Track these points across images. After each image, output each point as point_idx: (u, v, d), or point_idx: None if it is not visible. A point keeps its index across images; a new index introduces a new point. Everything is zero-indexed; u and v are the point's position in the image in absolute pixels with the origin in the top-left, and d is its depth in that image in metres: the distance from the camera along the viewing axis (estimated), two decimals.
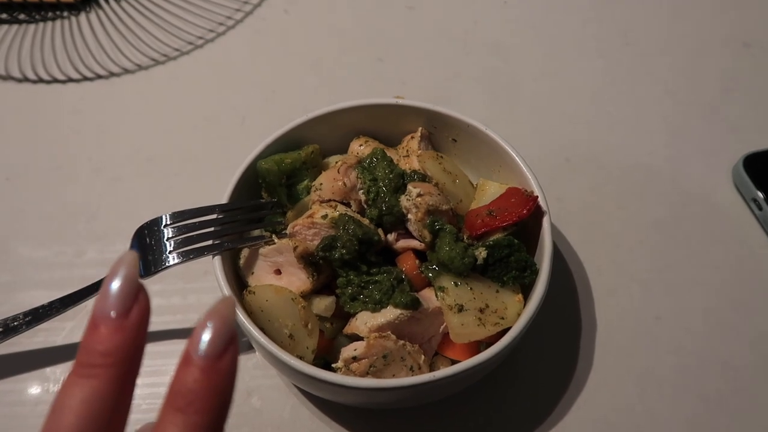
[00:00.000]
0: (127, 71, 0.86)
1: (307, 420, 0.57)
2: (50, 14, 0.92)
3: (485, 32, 0.90)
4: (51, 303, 0.57)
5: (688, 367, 0.60)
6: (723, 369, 0.60)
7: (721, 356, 0.61)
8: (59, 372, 0.60)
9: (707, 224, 0.70)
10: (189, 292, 0.65)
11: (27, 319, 0.57)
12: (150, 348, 0.62)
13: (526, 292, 0.55)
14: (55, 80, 0.85)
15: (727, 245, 0.69)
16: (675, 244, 0.69)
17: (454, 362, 0.53)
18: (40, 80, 0.85)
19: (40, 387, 0.60)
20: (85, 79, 0.85)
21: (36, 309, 0.57)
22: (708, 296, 0.65)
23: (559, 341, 0.62)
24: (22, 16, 0.92)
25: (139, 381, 0.61)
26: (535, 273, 0.54)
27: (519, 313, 0.53)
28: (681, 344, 0.62)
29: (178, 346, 0.61)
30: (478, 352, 0.52)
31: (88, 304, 0.61)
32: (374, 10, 0.93)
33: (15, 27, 0.91)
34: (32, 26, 0.91)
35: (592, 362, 0.60)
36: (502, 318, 0.52)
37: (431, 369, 0.53)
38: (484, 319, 0.52)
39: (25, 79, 0.85)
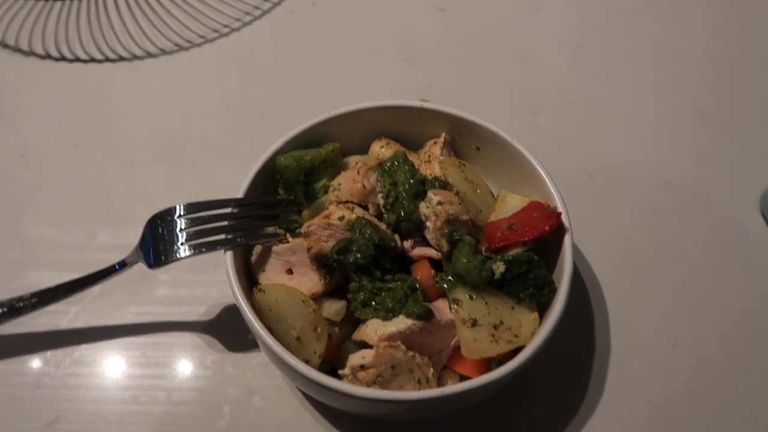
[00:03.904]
0: (150, 55, 0.85)
1: (309, 425, 0.56)
2: None
3: (516, 40, 0.88)
4: (58, 286, 0.56)
5: (702, 398, 0.59)
6: (739, 402, 0.58)
7: (738, 389, 0.59)
8: (61, 356, 0.59)
9: (731, 251, 0.68)
10: (197, 285, 0.64)
11: (33, 300, 0.56)
12: (153, 339, 0.62)
13: (542, 310, 0.53)
14: (78, 59, 0.84)
15: (751, 274, 0.67)
16: (697, 270, 0.67)
17: (463, 377, 0.52)
18: (63, 58, 0.84)
19: (41, 370, 0.59)
20: (108, 60, 0.84)
21: (42, 291, 0.56)
22: (728, 325, 0.63)
23: (572, 362, 0.60)
24: None
25: (138, 371, 0.60)
26: (553, 292, 0.53)
27: (534, 332, 0.51)
28: (696, 374, 0.60)
29: (182, 338, 0.61)
30: (489, 369, 0.50)
31: (95, 290, 0.60)
32: (404, 10, 0.91)
33: (41, 3, 0.90)
34: (58, 3, 0.90)
35: (603, 386, 0.59)
36: (516, 336, 0.51)
37: (439, 383, 0.52)
38: (497, 336, 0.50)
39: (48, 56, 0.84)
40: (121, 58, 0.84)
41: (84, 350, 0.60)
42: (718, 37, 0.89)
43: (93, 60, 0.84)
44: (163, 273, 0.63)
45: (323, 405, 0.57)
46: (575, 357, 0.61)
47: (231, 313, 0.62)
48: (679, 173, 0.74)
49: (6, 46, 0.85)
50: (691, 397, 0.59)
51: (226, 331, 0.61)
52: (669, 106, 0.81)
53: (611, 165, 0.75)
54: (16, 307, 0.56)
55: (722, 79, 0.84)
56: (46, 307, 0.56)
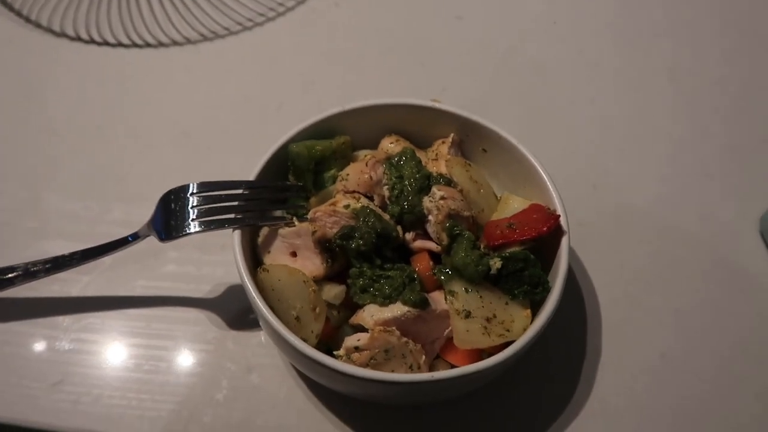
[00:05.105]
0: (175, 43, 0.88)
1: (302, 404, 0.58)
2: None
3: (530, 50, 0.90)
4: (72, 254, 0.59)
5: (688, 411, 0.60)
6: (724, 419, 0.59)
7: (725, 404, 0.60)
8: (69, 322, 0.62)
9: (730, 271, 0.69)
10: (204, 264, 0.66)
11: (47, 266, 0.59)
12: (158, 312, 0.64)
13: (535, 308, 0.55)
14: (106, 43, 0.87)
15: (748, 295, 0.67)
16: (694, 286, 0.68)
17: (454, 367, 0.53)
18: (92, 41, 0.87)
19: (48, 334, 0.61)
20: (135, 45, 0.87)
21: (56, 257, 0.59)
22: (719, 343, 0.64)
23: (562, 362, 0.62)
24: None
25: (142, 342, 0.63)
26: (547, 291, 0.54)
27: (525, 327, 0.53)
28: (684, 387, 0.61)
29: (186, 314, 0.63)
30: (480, 360, 0.52)
31: (106, 262, 0.63)
32: (423, 16, 0.93)
33: None
34: None
35: (592, 388, 0.60)
36: (508, 330, 0.52)
37: (431, 370, 0.53)
38: (489, 329, 0.52)
39: (78, 39, 0.87)
40: (148, 45, 0.87)
41: (92, 318, 0.62)
42: (729, 62, 0.90)
43: (121, 45, 0.87)
44: (172, 250, 0.66)
45: (317, 386, 0.58)
46: (566, 355, 0.62)
47: (235, 292, 0.64)
48: (682, 190, 0.76)
49: (39, 26, 0.88)
50: (677, 407, 0.60)
51: (229, 309, 0.63)
52: (677, 126, 0.82)
53: (615, 177, 0.76)
54: (31, 271, 0.58)
55: (730, 101, 0.85)
56: (59, 273, 0.59)
